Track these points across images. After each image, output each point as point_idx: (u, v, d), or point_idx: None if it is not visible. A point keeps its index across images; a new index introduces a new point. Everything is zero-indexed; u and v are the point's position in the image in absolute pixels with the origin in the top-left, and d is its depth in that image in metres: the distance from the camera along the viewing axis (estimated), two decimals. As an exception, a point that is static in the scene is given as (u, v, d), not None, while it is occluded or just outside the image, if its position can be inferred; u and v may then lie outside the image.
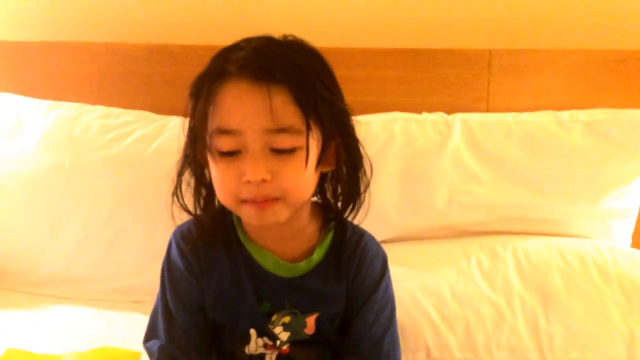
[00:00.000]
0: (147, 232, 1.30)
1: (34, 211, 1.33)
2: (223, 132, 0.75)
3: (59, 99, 1.43)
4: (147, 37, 1.49)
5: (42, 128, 1.36)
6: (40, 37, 1.53)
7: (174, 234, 0.92)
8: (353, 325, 0.87)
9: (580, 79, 1.35)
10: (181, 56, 1.43)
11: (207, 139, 0.77)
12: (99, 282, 1.34)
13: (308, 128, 0.75)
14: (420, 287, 1.11)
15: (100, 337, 1.19)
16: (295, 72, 0.76)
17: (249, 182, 0.74)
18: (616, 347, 1.04)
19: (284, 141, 0.75)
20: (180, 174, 0.87)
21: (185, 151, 0.86)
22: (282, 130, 0.74)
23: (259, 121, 0.74)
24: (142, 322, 1.15)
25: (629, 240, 1.31)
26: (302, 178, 0.77)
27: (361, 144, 0.86)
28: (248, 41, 0.80)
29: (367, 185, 0.87)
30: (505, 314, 1.07)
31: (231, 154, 0.76)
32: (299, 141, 0.75)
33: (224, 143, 0.75)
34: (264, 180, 0.74)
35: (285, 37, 0.82)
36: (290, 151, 0.75)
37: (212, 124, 0.76)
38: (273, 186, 0.75)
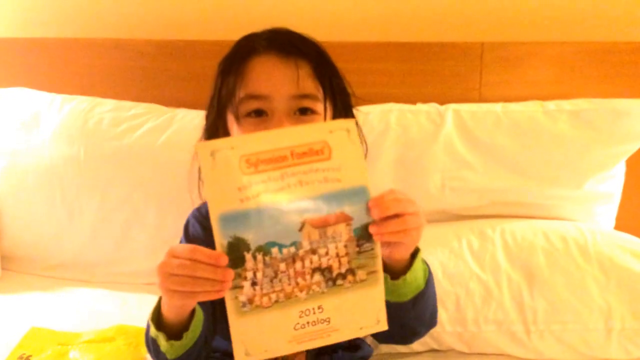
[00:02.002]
0: (158, 218, 1.34)
1: (51, 200, 1.37)
2: (253, 97, 0.85)
3: (72, 93, 1.46)
4: (155, 33, 1.52)
5: (58, 121, 1.39)
6: (54, 34, 1.56)
7: (192, 213, 0.98)
8: None
9: (568, 70, 1.37)
10: (188, 51, 1.45)
11: (235, 106, 0.85)
12: (113, 266, 1.38)
13: (325, 95, 0.86)
14: None
15: (115, 316, 1.24)
16: (315, 51, 0.88)
17: None
18: (594, 319, 1.07)
19: (307, 104, 0.85)
20: None
21: (208, 125, 0.94)
22: (305, 96, 0.85)
23: (285, 88, 0.84)
24: (154, 302, 1.22)
25: (613, 223, 1.34)
26: None
27: (360, 127, 0.93)
28: (262, 31, 0.91)
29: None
30: (492, 291, 1.10)
31: (258, 115, 0.85)
32: (319, 107, 0.86)
33: (253, 105, 0.85)
34: None
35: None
36: (311, 114, 0.85)
37: (242, 92, 0.85)
38: None
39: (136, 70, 1.50)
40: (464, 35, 1.43)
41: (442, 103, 1.36)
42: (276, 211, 0.68)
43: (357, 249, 0.71)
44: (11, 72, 1.55)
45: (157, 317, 0.81)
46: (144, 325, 1.18)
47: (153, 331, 0.81)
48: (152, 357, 0.87)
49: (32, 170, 1.39)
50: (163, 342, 0.80)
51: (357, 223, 0.70)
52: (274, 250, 0.69)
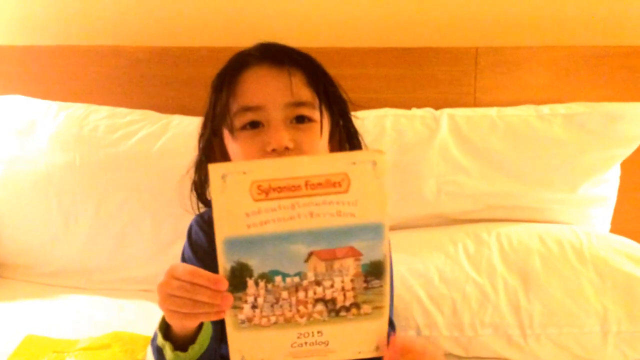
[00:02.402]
0: (154, 225, 1.34)
1: (47, 207, 1.36)
2: (247, 109, 0.83)
3: (68, 100, 1.45)
4: (151, 40, 1.52)
5: (54, 128, 1.39)
6: (50, 42, 1.56)
7: (194, 220, 0.97)
8: None
9: (562, 74, 1.38)
10: (183, 58, 1.46)
11: (230, 121, 0.84)
12: (109, 273, 1.37)
13: (321, 103, 0.85)
14: (410, 271, 1.14)
15: (112, 322, 1.23)
16: (307, 60, 0.87)
17: (274, 150, 0.81)
18: (591, 322, 1.07)
19: (303, 111, 0.84)
20: (198, 168, 0.93)
21: (204, 144, 0.92)
22: (300, 104, 0.83)
23: (280, 96, 0.83)
24: (150, 308, 1.22)
25: (608, 226, 1.34)
26: (319, 147, 0.85)
27: (360, 134, 0.94)
28: (253, 46, 0.90)
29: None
30: (489, 295, 1.10)
31: (254, 127, 0.83)
32: (315, 114, 0.84)
33: (247, 117, 0.83)
34: (287, 148, 0.81)
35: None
36: (307, 122, 0.84)
37: (235, 105, 0.84)
38: (295, 154, 0.82)
39: (132, 76, 1.51)
40: (459, 40, 1.44)
41: (437, 108, 1.36)
42: (282, 241, 0.66)
43: (365, 284, 0.69)
44: (7, 79, 1.55)
45: (165, 327, 0.80)
46: (141, 332, 1.19)
47: (160, 340, 0.81)
48: None
49: (28, 178, 1.38)
50: (169, 352, 0.80)
51: (366, 259, 0.68)
52: (278, 278, 0.68)
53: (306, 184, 0.65)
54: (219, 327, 0.84)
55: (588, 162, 1.27)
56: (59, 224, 1.37)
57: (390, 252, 0.69)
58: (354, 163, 0.65)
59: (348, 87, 1.41)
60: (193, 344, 0.79)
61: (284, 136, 0.81)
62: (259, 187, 0.65)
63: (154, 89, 1.50)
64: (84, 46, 1.53)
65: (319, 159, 0.69)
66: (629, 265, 1.13)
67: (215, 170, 0.64)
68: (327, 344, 0.71)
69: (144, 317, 1.23)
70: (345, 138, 0.93)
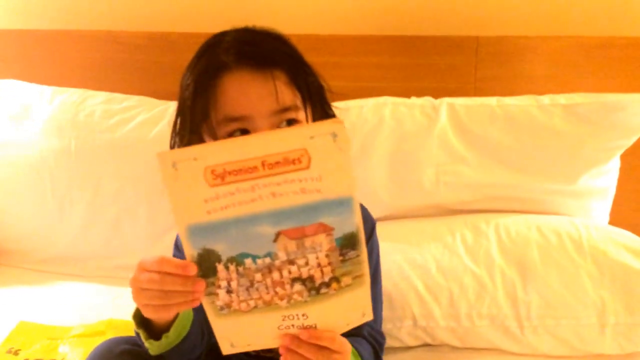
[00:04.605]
0: (150, 212, 1.33)
1: (42, 193, 1.36)
2: (232, 119, 0.80)
3: (65, 85, 1.44)
4: (148, 26, 1.51)
5: (48, 113, 1.38)
6: (47, 26, 1.55)
7: None
8: None
9: (563, 65, 1.38)
10: (181, 43, 1.44)
11: (213, 128, 0.81)
12: (104, 260, 1.37)
13: (305, 103, 0.83)
14: (407, 261, 1.14)
15: (106, 310, 1.23)
16: (285, 57, 0.83)
17: None
18: (588, 314, 1.07)
19: (289, 116, 0.81)
20: None
21: (185, 144, 0.88)
22: (285, 110, 0.81)
23: (265, 105, 0.79)
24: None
25: (607, 218, 1.34)
26: None
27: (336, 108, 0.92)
28: (226, 34, 0.85)
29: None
30: (486, 286, 1.10)
31: (243, 133, 0.80)
32: (300, 116, 0.82)
33: (233, 126, 0.80)
34: None
35: (252, 27, 0.87)
36: (294, 124, 0.81)
37: (219, 114, 0.80)
38: None
39: (129, 62, 1.50)
40: (459, 30, 1.43)
41: (436, 97, 1.36)
42: (247, 223, 0.63)
43: (341, 257, 0.66)
44: (2, 63, 1.54)
45: (140, 315, 0.79)
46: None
47: (135, 328, 0.80)
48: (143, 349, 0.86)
49: (23, 163, 1.38)
50: (144, 341, 0.79)
51: (339, 233, 0.65)
52: (248, 261, 0.65)
53: (263, 164, 0.61)
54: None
55: (588, 153, 1.26)
56: (54, 210, 1.37)
57: (364, 224, 0.66)
58: (312, 137, 0.61)
59: (347, 75, 1.42)
60: (167, 333, 0.78)
61: None
62: (212, 172, 0.61)
63: (152, 75, 1.49)
64: (81, 31, 1.53)
65: (272, 136, 0.64)
66: (628, 258, 1.12)
67: (164, 158, 0.60)
68: (315, 327, 0.70)
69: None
70: (324, 117, 0.91)
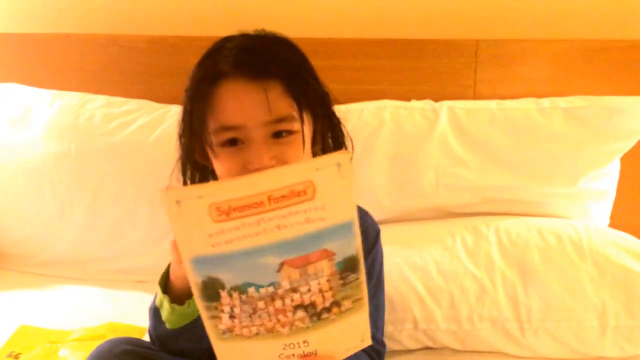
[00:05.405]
0: (150, 215, 1.33)
1: (42, 197, 1.36)
2: (226, 128, 0.80)
3: (65, 89, 1.45)
4: (147, 29, 1.51)
5: (48, 117, 1.38)
6: (44, 29, 1.55)
7: None
8: None
9: (563, 68, 1.37)
10: (181, 47, 1.45)
11: (209, 136, 0.81)
12: (105, 263, 1.37)
13: (301, 114, 0.81)
14: (407, 263, 1.14)
15: (107, 313, 1.23)
16: (285, 66, 0.82)
17: (257, 169, 0.79)
18: (589, 317, 1.07)
19: (283, 127, 0.81)
20: (184, 173, 0.91)
21: (184, 151, 0.90)
22: (279, 120, 0.80)
23: (258, 115, 0.79)
24: (145, 299, 1.20)
25: (607, 221, 1.34)
26: (302, 156, 0.83)
27: (342, 122, 0.92)
28: (230, 40, 0.85)
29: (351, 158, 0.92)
30: (487, 288, 1.10)
31: (233, 144, 0.81)
32: (295, 126, 0.81)
33: (227, 135, 0.81)
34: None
35: (260, 31, 0.87)
36: (288, 136, 0.81)
37: (214, 122, 0.81)
38: None
39: (129, 66, 1.50)
40: (459, 33, 1.43)
41: (436, 100, 1.36)
42: (251, 255, 0.63)
43: (342, 281, 0.66)
44: (3, 67, 1.54)
45: (165, 283, 0.80)
46: (136, 323, 1.19)
47: (159, 296, 0.81)
48: (151, 341, 0.87)
49: (23, 167, 1.38)
50: (166, 305, 0.80)
51: (340, 257, 0.65)
52: (251, 289, 0.65)
53: (269, 199, 0.61)
54: None
55: (588, 156, 1.26)
56: (54, 213, 1.37)
57: (369, 231, 0.65)
58: (318, 169, 0.62)
59: (348, 78, 1.42)
60: (190, 299, 0.79)
61: (264, 155, 0.79)
62: (217, 208, 0.60)
63: (152, 79, 1.49)
64: (81, 34, 1.53)
65: (279, 172, 0.64)
66: (628, 260, 1.12)
67: (167, 197, 0.60)
68: (316, 354, 0.70)
69: (139, 308, 1.21)
70: (328, 127, 0.91)
